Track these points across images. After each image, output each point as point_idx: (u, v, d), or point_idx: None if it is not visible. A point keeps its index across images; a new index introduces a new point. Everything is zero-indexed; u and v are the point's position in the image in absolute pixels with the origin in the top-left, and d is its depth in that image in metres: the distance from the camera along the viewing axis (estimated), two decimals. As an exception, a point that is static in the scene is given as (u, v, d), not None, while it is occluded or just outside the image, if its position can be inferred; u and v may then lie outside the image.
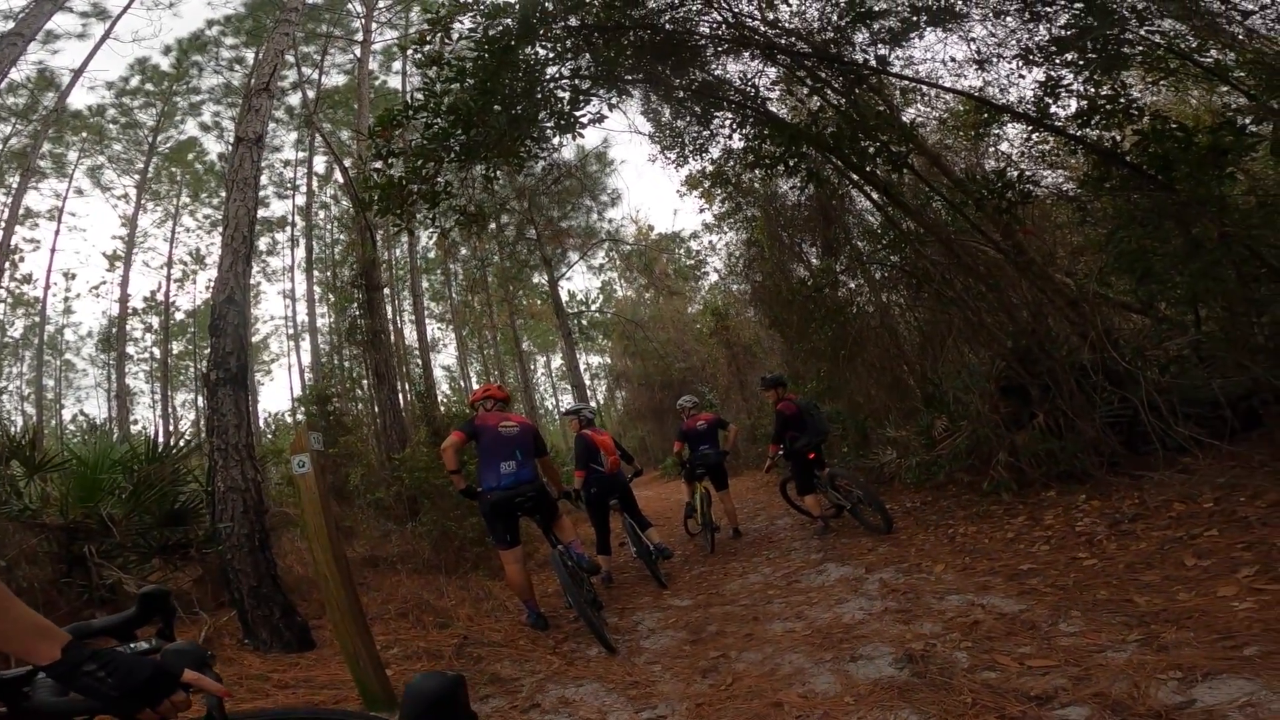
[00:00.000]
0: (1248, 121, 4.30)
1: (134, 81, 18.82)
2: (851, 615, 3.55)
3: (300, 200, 20.68)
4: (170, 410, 23.20)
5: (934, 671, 2.57)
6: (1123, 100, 4.82)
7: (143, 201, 20.85)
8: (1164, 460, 4.29)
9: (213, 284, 5.37)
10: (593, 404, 27.79)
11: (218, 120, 19.39)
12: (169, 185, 21.73)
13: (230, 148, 8.33)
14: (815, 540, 5.80)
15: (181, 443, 5.72)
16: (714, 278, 21.50)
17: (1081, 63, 4.74)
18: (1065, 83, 4.98)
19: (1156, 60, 4.72)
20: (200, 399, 20.51)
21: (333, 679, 3.43)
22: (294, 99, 17.39)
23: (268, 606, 4.08)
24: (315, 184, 19.80)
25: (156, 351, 24.01)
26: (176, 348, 24.66)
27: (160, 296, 23.02)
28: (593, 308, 24.15)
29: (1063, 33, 4.76)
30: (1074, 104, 5.06)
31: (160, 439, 6.53)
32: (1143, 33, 4.56)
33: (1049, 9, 4.80)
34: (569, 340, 18.84)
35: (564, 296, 20.82)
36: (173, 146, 20.36)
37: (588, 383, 28.47)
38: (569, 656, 3.72)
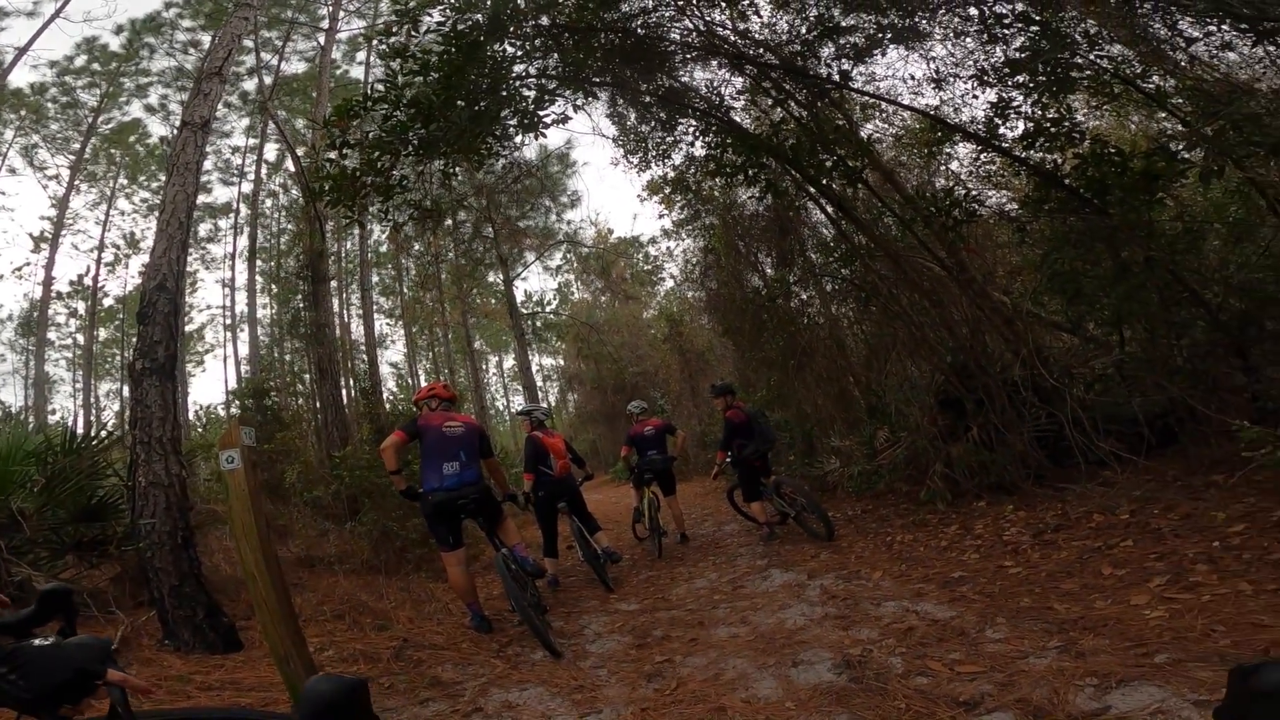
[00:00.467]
0: (1181, 148, 4.52)
1: (80, 61, 17.77)
2: (794, 621, 3.62)
3: (247, 188, 19.82)
4: (92, 400, 21.90)
5: (870, 677, 2.65)
6: (1067, 124, 5.05)
7: (76, 182, 19.63)
8: (1085, 473, 4.54)
9: (145, 269, 5.11)
10: (544, 405, 27.56)
11: (165, 103, 18.44)
12: (106, 166, 20.51)
13: (175, 131, 7.94)
14: (760, 546, 5.89)
15: (102, 434, 5.40)
16: (670, 284, 21.66)
17: (1032, 85, 4.93)
18: (1015, 104, 5.18)
19: (1102, 85, 4.93)
20: (125, 389, 19.38)
21: (261, 681, 3.29)
22: (249, 84, 16.68)
23: (190, 606, 3.91)
24: (264, 172, 19.01)
25: (80, 338, 22.57)
26: (103, 334, 23.29)
27: (88, 281, 21.67)
28: (548, 309, 23.95)
29: (1017, 55, 4.96)
30: (1021, 125, 5.27)
31: (79, 430, 6.14)
32: (1092, 57, 4.77)
33: (1007, 31, 5.00)
34: (522, 341, 18.65)
35: (519, 296, 20.62)
36: (114, 128, 19.23)
37: (540, 384, 28.20)
38: (513, 660, 3.67)
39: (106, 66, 17.98)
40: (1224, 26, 3.97)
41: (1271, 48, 3.94)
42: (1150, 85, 4.74)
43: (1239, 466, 3.61)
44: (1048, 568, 3.57)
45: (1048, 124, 5.04)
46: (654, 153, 7.21)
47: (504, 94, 5.24)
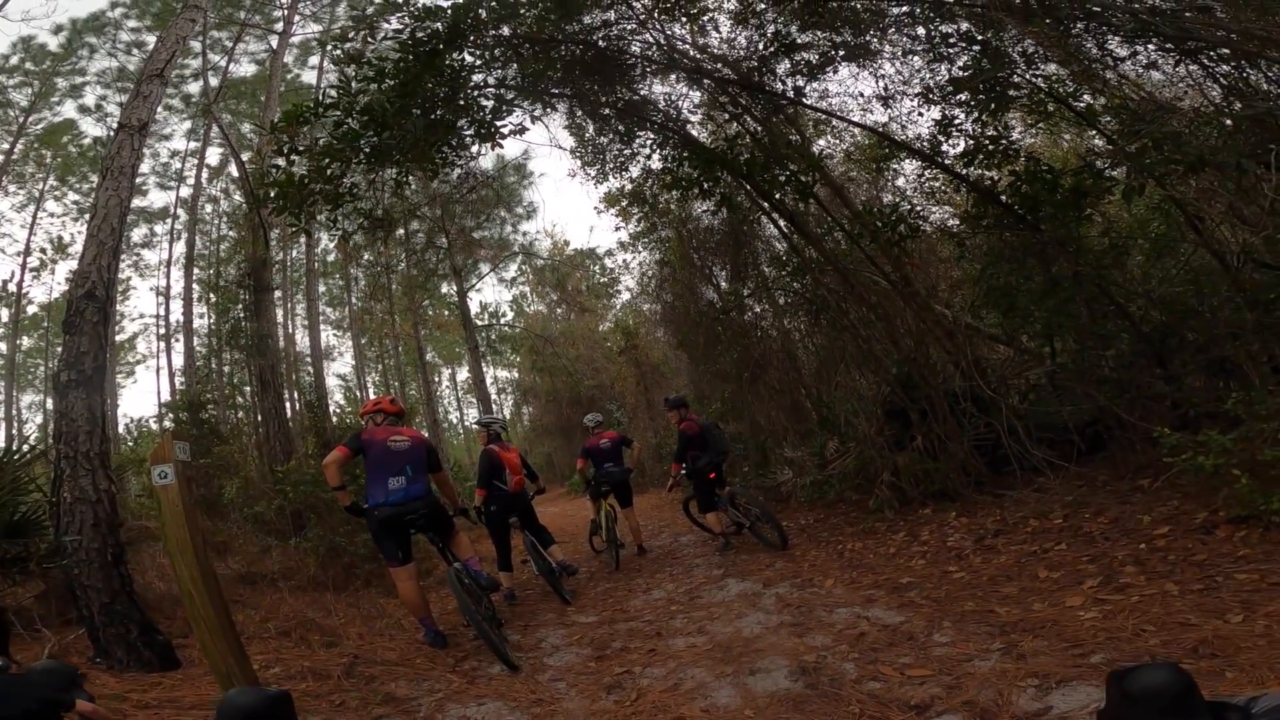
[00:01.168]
0: (1107, 165, 4.77)
1: (14, 60, 16.77)
2: (750, 629, 3.66)
3: (186, 192, 18.96)
4: (14, 413, 20.50)
5: (825, 683, 2.70)
6: (1004, 141, 5.30)
7: (3, 183, 18.44)
8: (1021, 480, 4.76)
9: (72, 276, 4.85)
10: (500, 417, 27.18)
11: (102, 104, 17.53)
12: (35, 168, 19.32)
13: (111, 133, 7.56)
14: (717, 557, 5.93)
15: (24, 448, 5.07)
16: (626, 296, 21.72)
17: (973, 103, 5.16)
18: (957, 122, 5.43)
19: (1037, 103, 5.19)
20: (50, 401, 18.17)
21: (201, 699, 3.14)
22: (194, 87, 16.04)
23: (123, 624, 3.72)
24: (205, 176, 18.24)
25: (3, 347, 21.12)
26: (27, 343, 21.84)
27: (12, 287, 20.31)
28: (502, 321, 23.66)
29: (960, 73, 5.19)
30: (963, 143, 5.52)
31: (1, 444, 5.75)
32: (1028, 77, 5.03)
33: (951, 50, 5.24)
34: (476, 353, 18.33)
35: (473, 308, 20.29)
36: (46, 128, 18.18)
37: (494, 397, 27.80)
38: (470, 675, 3.59)
39: (41, 66, 17.03)
40: (1150, 46, 4.21)
41: (1194, 67, 4.22)
42: (1081, 104, 5.01)
43: (1162, 471, 3.85)
44: (989, 572, 3.72)
45: (987, 141, 5.28)
46: (611, 165, 7.26)
47: (461, 103, 5.20)
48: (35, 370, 22.18)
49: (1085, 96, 4.94)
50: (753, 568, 5.23)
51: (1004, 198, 5.20)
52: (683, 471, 6.20)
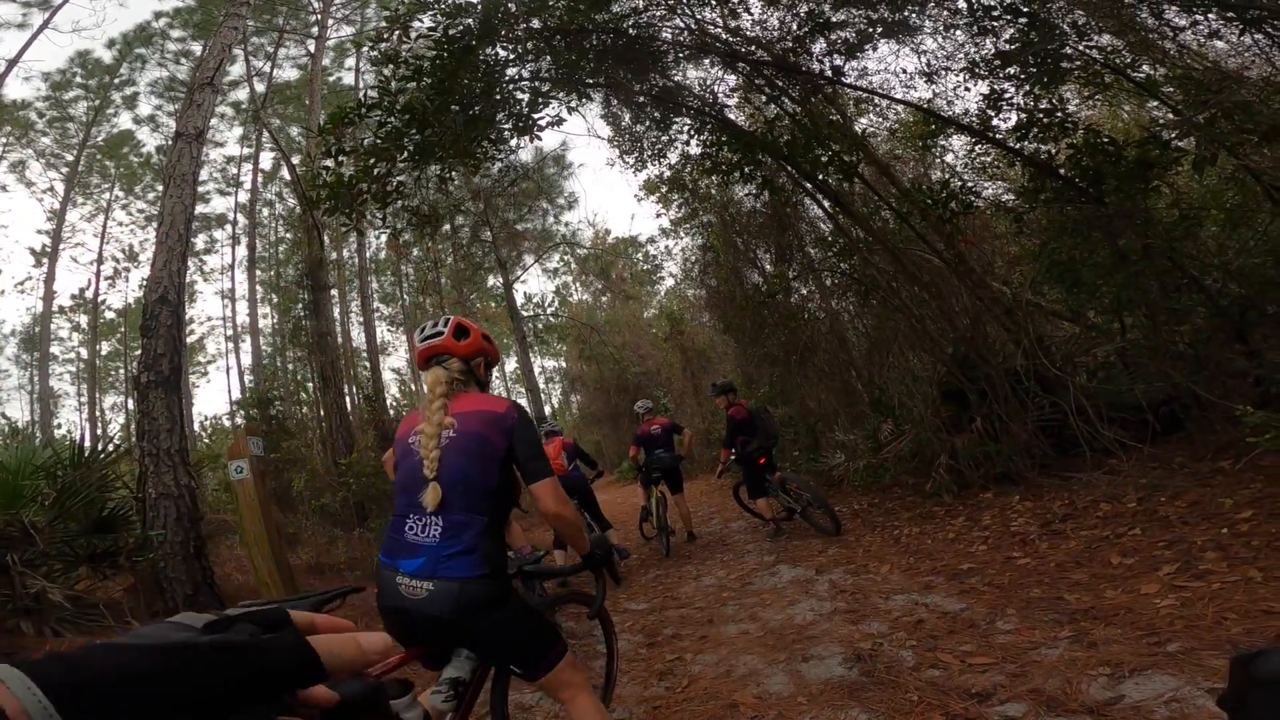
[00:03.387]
0: (1173, 136, 4.52)
1: (71, 73, 17.77)
2: (803, 616, 3.63)
3: (243, 197, 19.83)
4: (98, 414, 21.96)
5: (881, 670, 2.66)
6: (1059, 114, 5.06)
7: (72, 195, 19.63)
8: (1091, 462, 4.54)
9: (145, 283, 5.15)
10: (548, 409, 27.72)
11: (154, 115, 18.45)
12: (100, 179, 20.50)
13: (170, 142, 7.97)
14: (768, 543, 5.90)
15: (109, 447, 5.42)
16: (670, 282, 21.69)
17: (1023, 76, 4.94)
18: (1007, 96, 5.20)
19: (1093, 75, 4.94)
20: (130, 402, 19.39)
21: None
22: (242, 94, 16.74)
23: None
24: (260, 181, 19.01)
25: (84, 352, 22.63)
26: (106, 348, 23.34)
27: (89, 294, 21.69)
28: (548, 311, 23.96)
29: (1007, 46, 4.97)
30: (1014, 117, 5.28)
31: (86, 443, 6.17)
32: (1081, 48, 4.78)
33: (995, 23, 5.02)
34: (524, 343, 18.63)
35: (519, 299, 20.62)
36: (107, 139, 19.25)
37: (543, 386, 28.21)
38: (523, 663, 3.68)
39: (99, 79, 17.98)
40: (1210, 15, 3.97)
41: (1259, 35, 3.94)
42: (1140, 75, 4.75)
43: (1245, 452, 3.62)
44: (1056, 558, 3.57)
45: (1040, 115, 5.05)
46: (649, 152, 7.23)
47: (498, 97, 5.25)
48: (115, 373, 23.67)
49: (1144, 67, 4.66)
50: (805, 554, 5.18)
51: (1063, 171, 4.94)
52: (732, 457, 6.18)
